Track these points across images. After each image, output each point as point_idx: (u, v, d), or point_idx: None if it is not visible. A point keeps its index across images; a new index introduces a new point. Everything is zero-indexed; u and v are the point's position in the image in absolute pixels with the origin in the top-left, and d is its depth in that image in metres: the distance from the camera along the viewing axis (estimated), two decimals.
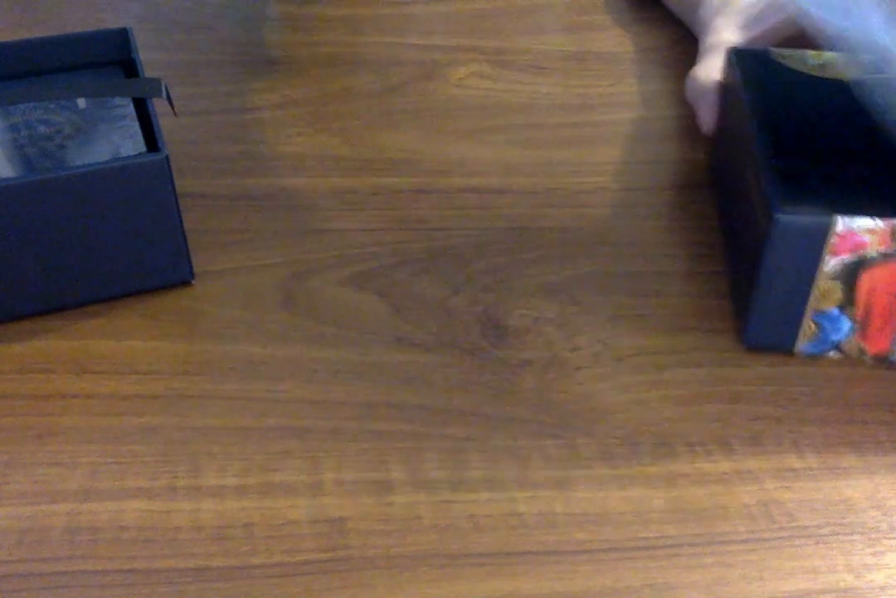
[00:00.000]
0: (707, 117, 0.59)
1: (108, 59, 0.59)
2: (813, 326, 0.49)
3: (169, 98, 0.53)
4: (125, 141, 0.54)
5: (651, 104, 0.70)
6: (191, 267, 0.54)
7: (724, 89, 0.58)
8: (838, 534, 0.43)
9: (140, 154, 0.52)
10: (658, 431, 0.47)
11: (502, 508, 0.43)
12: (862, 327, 0.48)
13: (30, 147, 0.53)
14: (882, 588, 0.41)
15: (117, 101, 0.56)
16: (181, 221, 0.52)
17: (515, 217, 0.59)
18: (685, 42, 0.73)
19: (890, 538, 0.42)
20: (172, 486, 0.44)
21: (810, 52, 0.58)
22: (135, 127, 0.54)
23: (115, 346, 0.50)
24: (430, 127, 0.67)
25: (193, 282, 0.54)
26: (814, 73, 0.57)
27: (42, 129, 0.54)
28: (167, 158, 0.49)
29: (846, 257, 0.46)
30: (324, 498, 0.43)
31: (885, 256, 0.46)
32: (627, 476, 0.45)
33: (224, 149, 0.64)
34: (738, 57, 0.57)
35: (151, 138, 0.52)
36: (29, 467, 0.45)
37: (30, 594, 0.40)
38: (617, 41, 0.76)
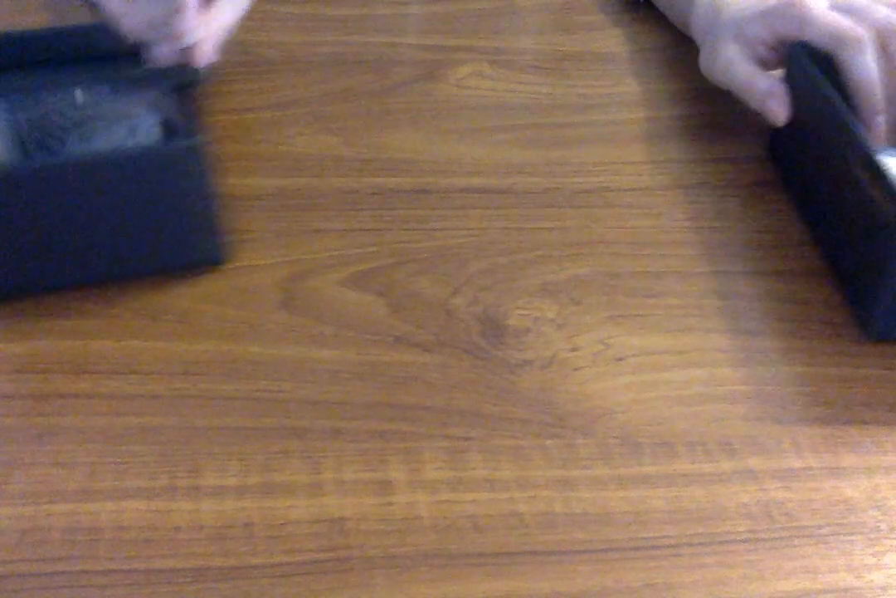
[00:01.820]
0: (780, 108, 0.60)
1: (122, 50, 0.60)
2: None
3: (203, 85, 0.56)
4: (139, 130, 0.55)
5: (651, 104, 0.70)
6: (224, 248, 0.55)
7: (793, 84, 0.59)
8: (838, 534, 0.43)
9: (179, 138, 0.54)
10: (658, 431, 0.47)
11: (502, 508, 0.43)
12: None
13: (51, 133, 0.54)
14: (882, 588, 0.41)
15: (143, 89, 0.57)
16: (216, 203, 0.53)
17: (515, 217, 0.59)
18: (685, 42, 0.73)
19: (890, 538, 0.42)
20: (172, 486, 0.44)
21: None
22: (149, 119, 0.55)
23: (115, 346, 0.50)
24: (430, 127, 0.67)
25: (225, 263, 0.55)
26: None
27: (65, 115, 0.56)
28: (205, 142, 0.50)
29: None
30: (324, 498, 0.43)
31: None
32: (627, 476, 0.45)
33: (224, 149, 0.64)
34: (808, 53, 0.58)
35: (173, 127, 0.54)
36: (29, 467, 0.45)
37: (30, 594, 0.40)
38: (617, 41, 0.76)
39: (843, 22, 0.58)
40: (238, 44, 0.75)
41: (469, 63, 0.74)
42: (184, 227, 0.53)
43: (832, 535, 0.43)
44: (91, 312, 0.52)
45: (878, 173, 0.48)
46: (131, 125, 0.55)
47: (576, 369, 0.50)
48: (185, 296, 0.53)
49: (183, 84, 0.55)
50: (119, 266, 0.53)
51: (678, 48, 0.74)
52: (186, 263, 0.55)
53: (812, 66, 0.57)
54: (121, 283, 0.54)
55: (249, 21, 0.78)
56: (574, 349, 0.51)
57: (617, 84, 0.72)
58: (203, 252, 0.54)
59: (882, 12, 0.59)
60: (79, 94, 0.56)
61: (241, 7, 0.65)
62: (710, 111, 0.70)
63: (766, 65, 0.62)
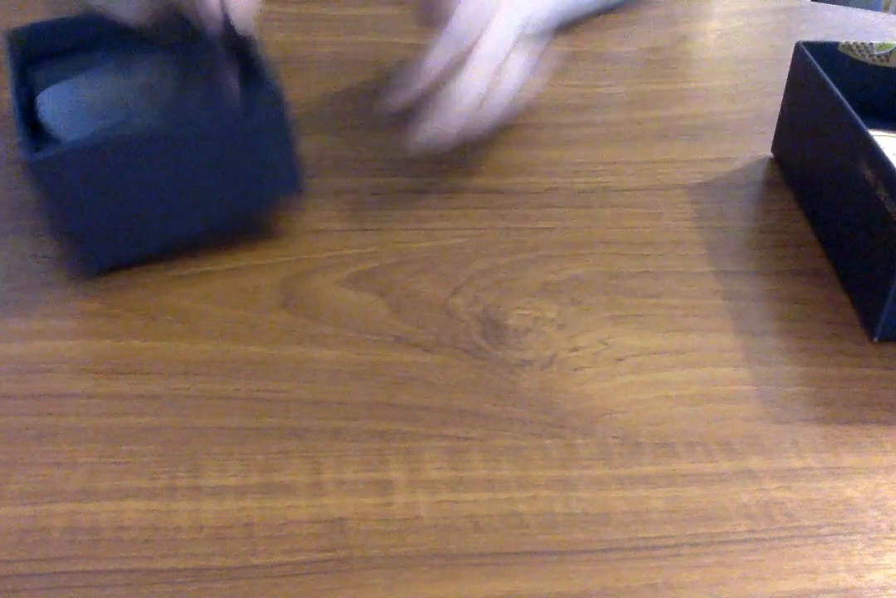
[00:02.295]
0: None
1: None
2: None
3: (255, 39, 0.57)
4: None
5: (651, 104, 0.70)
6: (302, 180, 0.56)
7: (798, 83, 0.59)
8: (838, 534, 0.43)
9: (257, 86, 0.55)
10: (658, 431, 0.47)
11: (502, 508, 0.43)
12: None
13: None
14: (882, 588, 0.41)
15: None
16: (294, 136, 0.55)
17: (515, 217, 0.59)
18: (685, 42, 0.73)
19: (890, 538, 0.42)
20: (172, 486, 0.44)
21: (876, 43, 0.58)
22: None
23: (115, 346, 0.50)
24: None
25: (303, 194, 0.57)
26: (880, 63, 0.58)
27: None
28: (280, 87, 0.53)
29: None
30: (324, 498, 0.43)
31: None
32: (627, 476, 0.45)
33: None
34: (811, 51, 0.58)
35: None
36: (29, 467, 0.45)
37: (30, 594, 0.40)
38: (617, 41, 0.76)
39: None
40: None
41: None
42: (268, 163, 0.55)
43: (832, 535, 0.43)
44: (91, 312, 0.52)
45: (885, 173, 0.48)
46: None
47: (576, 369, 0.50)
48: (185, 296, 0.53)
49: (240, 41, 0.57)
50: (212, 212, 0.55)
51: (678, 48, 0.74)
52: (271, 195, 0.57)
53: (816, 64, 0.57)
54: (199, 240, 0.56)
55: None
56: (574, 349, 0.51)
57: (617, 84, 0.72)
58: (285, 185, 0.56)
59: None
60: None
61: None
62: (710, 111, 0.70)
63: None
